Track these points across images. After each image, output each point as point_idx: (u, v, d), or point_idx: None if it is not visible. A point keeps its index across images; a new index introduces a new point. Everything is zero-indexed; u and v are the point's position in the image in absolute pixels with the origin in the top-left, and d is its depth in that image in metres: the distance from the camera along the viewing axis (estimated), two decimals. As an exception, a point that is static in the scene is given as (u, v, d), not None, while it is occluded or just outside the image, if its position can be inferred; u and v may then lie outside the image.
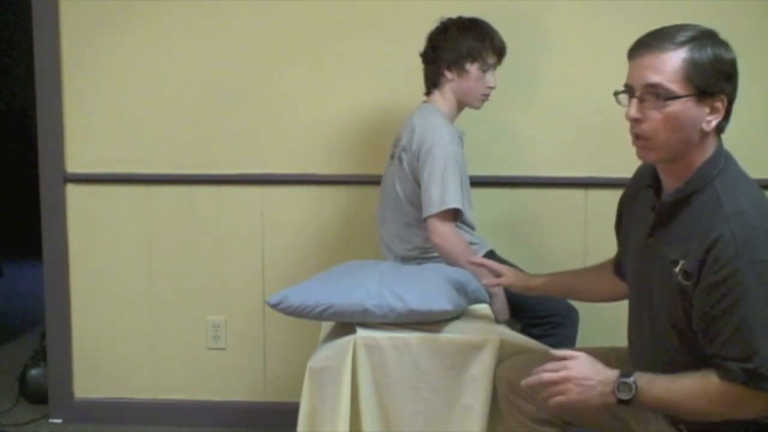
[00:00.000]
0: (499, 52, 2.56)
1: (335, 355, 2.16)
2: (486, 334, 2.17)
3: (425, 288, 2.19)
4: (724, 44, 1.64)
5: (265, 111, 2.99)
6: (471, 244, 2.56)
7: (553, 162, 2.94)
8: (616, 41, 2.60)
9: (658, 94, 1.61)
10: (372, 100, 2.96)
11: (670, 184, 1.72)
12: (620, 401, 1.64)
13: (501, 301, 2.45)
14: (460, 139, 2.58)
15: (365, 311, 2.16)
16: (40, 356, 3.26)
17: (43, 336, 3.28)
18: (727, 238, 1.55)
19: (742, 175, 1.68)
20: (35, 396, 3.23)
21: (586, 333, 2.63)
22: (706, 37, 1.63)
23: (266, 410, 3.08)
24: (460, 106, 2.60)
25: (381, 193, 2.69)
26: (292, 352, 3.03)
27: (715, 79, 1.60)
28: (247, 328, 3.08)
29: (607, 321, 2.40)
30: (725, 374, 1.58)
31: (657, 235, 1.73)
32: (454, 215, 2.46)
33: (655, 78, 1.61)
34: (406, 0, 2.89)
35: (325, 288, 2.24)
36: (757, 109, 2.88)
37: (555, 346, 2.28)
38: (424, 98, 2.62)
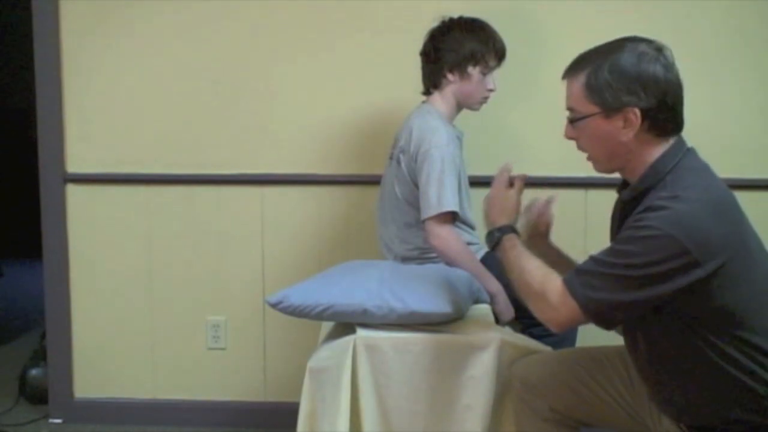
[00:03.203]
0: (501, 54, 2.55)
1: (335, 355, 2.16)
2: (486, 335, 2.17)
3: (426, 289, 2.19)
4: (639, 55, 1.68)
5: (265, 111, 2.99)
6: (470, 244, 2.57)
7: (552, 162, 2.94)
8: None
9: (573, 117, 1.77)
10: (372, 100, 2.96)
11: (631, 183, 1.78)
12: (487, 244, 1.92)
13: (503, 301, 2.45)
14: (459, 140, 2.57)
15: (365, 312, 2.16)
16: (40, 356, 3.26)
17: (43, 336, 3.28)
18: (653, 207, 1.62)
19: (697, 169, 1.72)
20: (35, 396, 3.23)
21: (586, 333, 2.62)
22: (612, 52, 1.70)
23: (266, 410, 3.08)
24: (460, 107, 2.59)
25: (381, 194, 2.69)
26: (292, 352, 3.03)
27: (616, 94, 1.68)
28: (247, 328, 3.08)
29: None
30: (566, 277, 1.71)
31: (620, 232, 1.77)
32: (452, 217, 2.46)
33: (568, 102, 1.79)
34: (406, 0, 2.89)
35: (326, 288, 2.24)
36: (758, 110, 2.88)
37: (555, 346, 2.29)
38: (423, 98, 2.62)
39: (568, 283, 1.69)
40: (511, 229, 1.91)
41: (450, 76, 2.53)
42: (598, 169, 1.82)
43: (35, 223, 3.11)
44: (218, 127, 3.00)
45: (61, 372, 3.13)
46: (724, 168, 2.82)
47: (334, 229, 3.02)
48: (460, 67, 2.51)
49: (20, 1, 3.79)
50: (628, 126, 1.69)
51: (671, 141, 1.72)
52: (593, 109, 1.72)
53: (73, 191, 3.06)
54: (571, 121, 1.77)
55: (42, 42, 2.99)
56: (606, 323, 1.71)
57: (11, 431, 3.05)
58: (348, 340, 2.17)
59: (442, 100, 2.56)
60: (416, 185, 2.49)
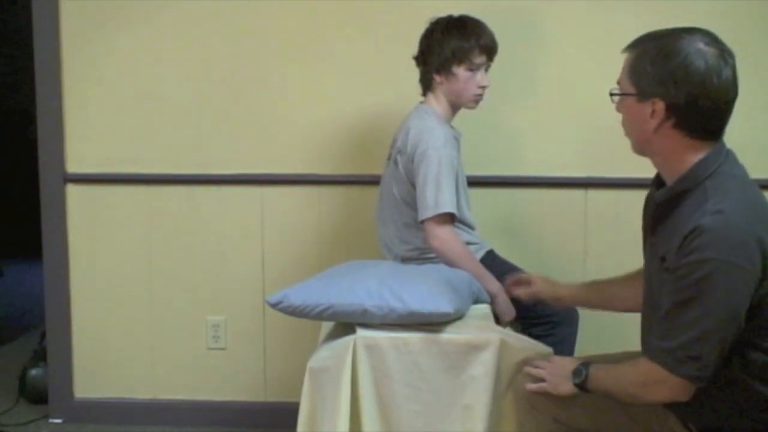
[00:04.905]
0: (488, 50, 2.51)
1: (335, 355, 2.16)
2: (486, 335, 2.16)
3: (426, 289, 2.19)
4: (689, 49, 1.63)
5: (265, 111, 2.99)
6: (470, 243, 2.56)
7: (552, 162, 2.94)
8: (615, 41, 2.59)
9: (612, 90, 1.76)
10: (372, 100, 2.96)
11: (667, 183, 1.74)
12: (576, 385, 1.85)
13: (504, 301, 2.44)
14: (456, 140, 2.57)
15: (365, 312, 2.16)
16: (40, 356, 3.27)
17: (43, 336, 3.28)
18: (702, 229, 1.57)
19: (737, 177, 1.69)
20: (35, 396, 3.23)
21: (586, 333, 2.63)
22: (668, 39, 1.67)
23: (266, 410, 3.08)
24: (455, 107, 2.58)
25: (380, 195, 2.69)
26: (292, 352, 3.03)
27: (650, 81, 1.66)
28: (247, 328, 3.08)
29: (608, 321, 2.40)
30: (650, 352, 1.69)
31: (656, 234, 1.76)
32: (450, 218, 2.46)
33: (619, 77, 1.76)
34: (406, 0, 2.89)
35: (326, 288, 2.24)
36: (758, 109, 2.88)
37: (555, 346, 2.28)
38: (421, 98, 2.62)
39: (667, 367, 1.65)
40: (586, 362, 1.89)
41: (437, 78, 2.52)
42: (632, 148, 1.79)
43: (35, 223, 3.11)
44: (218, 127, 3.00)
45: (61, 372, 3.13)
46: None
47: (334, 229, 3.02)
48: (444, 67, 2.49)
49: (20, 1, 3.79)
50: (653, 116, 1.67)
51: (711, 145, 1.68)
52: (630, 89, 1.71)
53: (73, 191, 3.06)
54: (611, 95, 1.76)
55: (42, 42, 2.99)
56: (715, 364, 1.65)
57: (11, 431, 3.06)
58: (348, 340, 2.16)
59: (436, 101, 2.56)
60: (414, 186, 2.49)
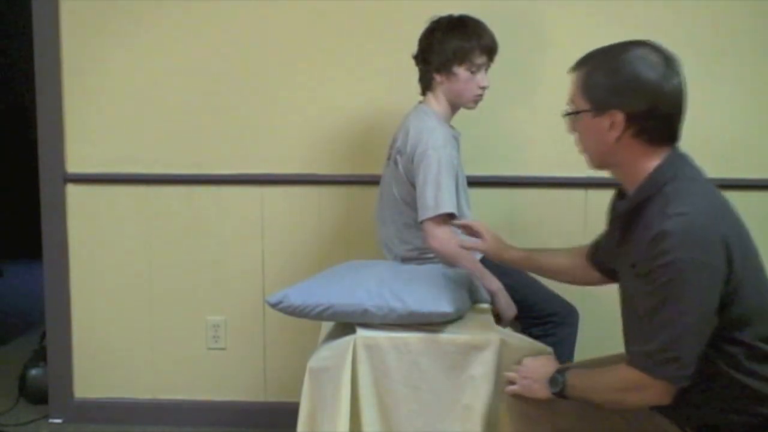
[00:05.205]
0: (489, 51, 2.50)
1: (335, 355, 2.16)
2: (486, 334, 2.17)
3: (426, 289, 2.19)
4: (638, 60, 1.67)
5: (264, 111, 2.99)
6: (471, 244, 2.56)
7: (553, 162, 2.94)
8: (615, 40, 2.59)
9: (566, 110, 1.80)
10: (372, 100, 2.96)
11: (628, 192, 1.77)
12: (554, 393, 1.86)
13: (504, 298, 2.44)
14: (456, 140, 2.56)
15: (365, 312, 2.16)
16: (40, 356, 3.27)
17: (43, 336, 3.28)
18: (667, 233, 1.59)
19: (695, 180, 1.71)
20: (35, 396, 3.23)
21: (586, 333, 2.63)
22: (616, 52, 1.71)
23: (266, 410, 3.08)
24: (454, 107, 2.58)
25: (379, 195, 2.69)
26: (292, 352, 3.03)
27: (605, 94, 1.70)
28: (247, 328, 3.08)
29: (608, 321, 2.39)
30: (629, 357, 1.70)
31: (624, 243, 1.79)
32: (450, 218, 2.46)
33: (569, 95, 1.79)
34: (406, 0, 2.89)
35: (326, 288, 2.24)
36: (758, 110, 2.89)
37: (555, 346, 2.28)
38: (420, 98, 2.62)
39: (647, 371, 1.67)
40: (563, 370, 1.90)
41: (438, 77, 2.52)
42: (589, 164, 1.83)
43: (35, 223, 3.11)
44: (218, 127, 3.00)
45: (61, 372, 3.13)
46: (724, 169, 2.86)
47: (334, 229, 3.02)
48: (445, 67, 2.49)
49: (20, 1, 3.79)
50: (613, 128, 1.70)
51: (667, 150, 1.71)
52: (584, 105, 1.74)
53: (73, 191, 3.06)
54: (565, 115, 1.80)
55: (42, 42, 2.99)
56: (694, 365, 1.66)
57: (11, 431, 3.06)
58: (348, 340, 2.17)
59: (435, 101, 2.56)
60: (413, 186, 2.49)
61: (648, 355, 1.65)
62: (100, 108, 3.02)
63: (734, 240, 1.63)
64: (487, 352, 2.13)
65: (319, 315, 2.21)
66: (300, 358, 2.39)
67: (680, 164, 1.71)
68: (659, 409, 1.79)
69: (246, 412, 3.10)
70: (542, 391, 1.89)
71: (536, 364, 1.96)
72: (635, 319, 1.73)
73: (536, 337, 2.35)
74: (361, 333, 2.17)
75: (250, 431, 3.06)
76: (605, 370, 1.80)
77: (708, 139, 2.85)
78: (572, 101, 1.78)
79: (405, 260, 2.57)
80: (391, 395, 2.15)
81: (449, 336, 2.16)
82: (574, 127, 1.80)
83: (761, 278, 1.71)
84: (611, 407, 1.82)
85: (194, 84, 2.99)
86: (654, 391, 1.67)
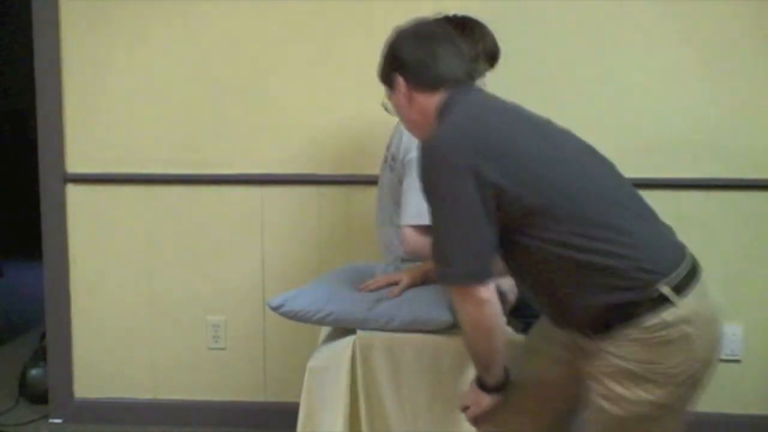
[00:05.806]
0: (491, 56, 2.46)
1: (335, 356, 2.16)
2: (486, 335, 2.16)
3: (426, 296, 2.18)
4: (393, 34, 1.93)
5: (265, 111, 2.99)
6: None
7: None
8: (615, 40, 2.61)
9: (384, 102, 2.02)
10: (372, 100, 2.94)
11: None
12: (487, 391, 1.87)
13: (505, 281, 2.38)
14: None
15: (366, 320, 2.16)
16: (40, 356, 3.27)
17: (43, 336, 3.28)
18: (418, 151, 1.76)
19: (469, 101, 1.81)
20: (35, 396, 3.23)
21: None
22: (395, 35, 1.93)
23: (266, 410, 3.08)
24: None
25: (378, 196, 2.68)
26: (292, 352, 3.03)
27: (385, 68, 1.92)
28: (247, 329, 3.08)
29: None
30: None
31: None
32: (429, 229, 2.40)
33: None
34: (406, 1, 2.89)
35: (327, 295, 2.23)
36: (759, 110, 2.88)
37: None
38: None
39: (447, 283, 1.75)
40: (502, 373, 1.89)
41: None
42: (415, 136, 1.96)
43: (35, 223, 3.11)
44: (218, 127, 3.00)
45: (61, 372, 3.13)
46: (725, 169, 2.86)
47: (334, 229, 3.02)
48: None
49: (20, 2, 3.80)
50: (403, 92, 1.86)
51: (449, 90, 1.82)
52: (386, 90, 1.94)
53: (73, 191, 3.06)
54: (384, 107, 2.03)
55: (42, 42, 2.99)
56: (487, 275, 1.70)
57: (11, 431, 3.06)
58: (348, 340, 2.17)
59: None
60: None
61: (440, 271, 1.72)
62: (100, 108, 3.02)
63: (498, 137, 1.71)
64: (487, 353, 2.12)
65: (320, 321, 2.20)
66: (300, 358, 2.39)
67: (459, 97, 1.81)
68: (556, 323, 1.80)
69: (246, 412, 3.10)
70: (483, 399, 1.88)
71: (465, 392, 1.96)
72: None
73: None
74: (361, 334, 2.17)
75: (250, 431, 3.06)
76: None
77: (708, 139, 2.85)
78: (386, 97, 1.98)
79: (405, 261, 2.57)
80: (390, 395, 2.15)
81: (449, 336, 2.16)
82: (396, 112, 1.96)
83: (554, 169, 1.74)
84: (476, 340, 1.79)
85: (194, 84, 2.99)
86: (468, 298, 1.70)
